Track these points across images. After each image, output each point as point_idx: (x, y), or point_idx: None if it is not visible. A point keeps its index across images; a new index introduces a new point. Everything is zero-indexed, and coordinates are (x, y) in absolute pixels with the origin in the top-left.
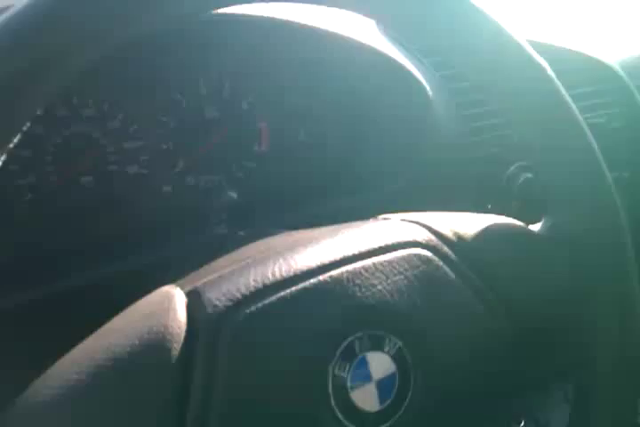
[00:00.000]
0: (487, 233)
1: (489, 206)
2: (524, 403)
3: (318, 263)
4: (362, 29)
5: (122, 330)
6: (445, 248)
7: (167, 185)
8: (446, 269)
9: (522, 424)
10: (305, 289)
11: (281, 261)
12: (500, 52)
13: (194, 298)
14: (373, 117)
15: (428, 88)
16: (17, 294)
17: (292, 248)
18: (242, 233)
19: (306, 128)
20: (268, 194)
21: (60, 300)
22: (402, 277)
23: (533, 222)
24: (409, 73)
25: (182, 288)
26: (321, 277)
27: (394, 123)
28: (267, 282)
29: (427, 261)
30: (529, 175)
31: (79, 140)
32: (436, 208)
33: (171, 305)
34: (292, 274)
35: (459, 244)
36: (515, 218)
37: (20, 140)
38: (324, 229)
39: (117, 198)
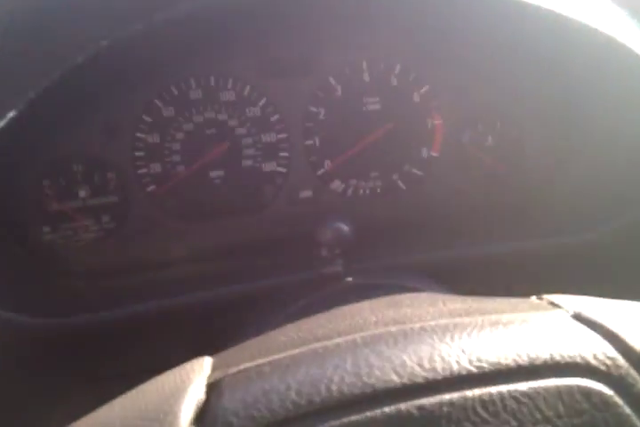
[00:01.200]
0: None
1: None
2: None
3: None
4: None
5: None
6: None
7: (307, 189)
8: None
9: None
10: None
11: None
12: None
13: (213, 398)
14: (593, 126)
15: None
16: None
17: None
18: (352, 281)
19: (495, 133)
20: (418, 219)
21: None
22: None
23: None
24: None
25: (208, 377)
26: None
27: (618, 136)
28: (317, 405)
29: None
30: None
31: (212, 128)
32: None
33: (180, 405)
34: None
35: None
36: None
37: (147, 125)
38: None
39: (247, 200)
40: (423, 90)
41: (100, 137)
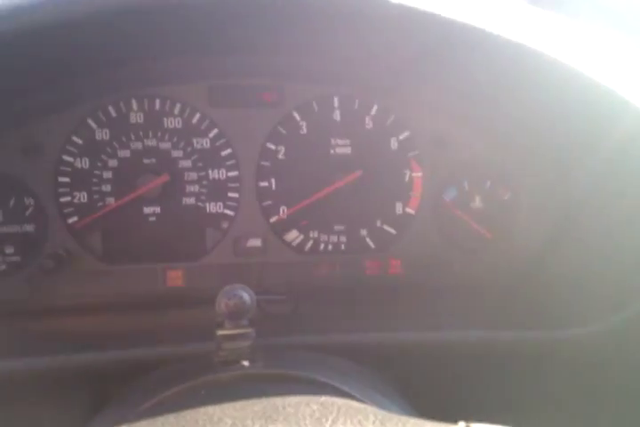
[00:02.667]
0: None
1: None
2: None
3: None
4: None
5: None
6: None
7: (256, 238)
8: None
9: None
10: None
11: None
12: None
13: None
14: (595, 193)
15: None
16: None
17: None
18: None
19: (484, 193)
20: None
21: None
22: None
23: None
24: None
25: None
26: None
27: None
28: None
29: None
30: None
31: (152, 158)
32: None
33: None
34: None
35: None
36: None
37: (76, 147)
38: None
39: (184, 244)
40: (402, 136)
41: (21, 156)
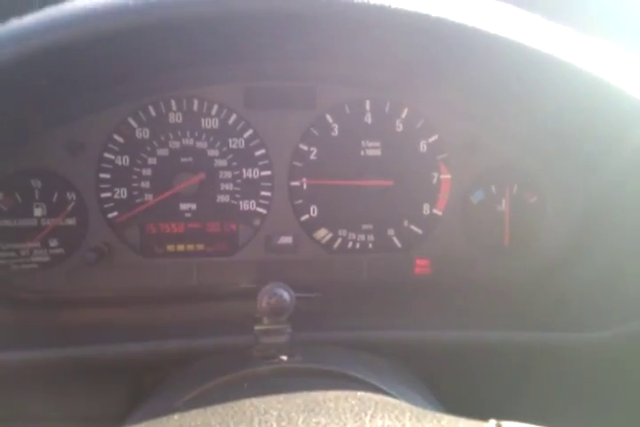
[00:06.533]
0: None
1: None
2: None
3: None
4: None
5: None
6: None
7: (287, 235)
8: None
9: None
10: None
11: None
12: None
13: None
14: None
15: None
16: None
17: None
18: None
19: (510, 197)
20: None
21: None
22: None
23: None
24: None
25: None
26: None
27: None
28: None
29: None
30: None
31: (189, 157)
32: None
33: None
34: None
35: None
36: None
37: (117, 145)
38: None
39: (218, 240)
40: (431, 139)
41: (65, 153)
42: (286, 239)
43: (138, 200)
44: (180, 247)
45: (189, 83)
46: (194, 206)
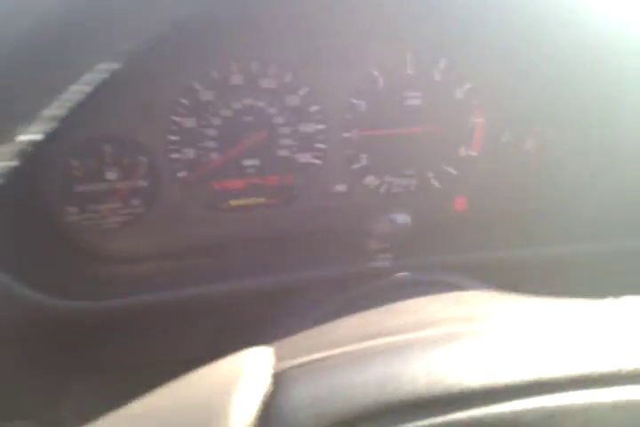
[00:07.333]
0: None
1: None
2: None
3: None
4: None
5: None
6: None
7: (341, 184)
8: None
9: None
10: None
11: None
12: None
13: (280, 390)
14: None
15: None
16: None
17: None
18: (406, 275)
19: (535, 135)
20: (452, 220)
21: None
22: None
23: None
24: None
25: (273, 367)
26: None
27: None
28: (400, 403)
29: None
30: None
31: (250, 116)
32: None
33: (242, 395)
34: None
35: None
36: None
37: (184, 108)
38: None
39: (278, 191)
40: (466, 87)
41: (135, 118)
42: (341, 187)
43: (204, 159)
44: (243, 201)
45: (248, 45)
46: (257, 162)
